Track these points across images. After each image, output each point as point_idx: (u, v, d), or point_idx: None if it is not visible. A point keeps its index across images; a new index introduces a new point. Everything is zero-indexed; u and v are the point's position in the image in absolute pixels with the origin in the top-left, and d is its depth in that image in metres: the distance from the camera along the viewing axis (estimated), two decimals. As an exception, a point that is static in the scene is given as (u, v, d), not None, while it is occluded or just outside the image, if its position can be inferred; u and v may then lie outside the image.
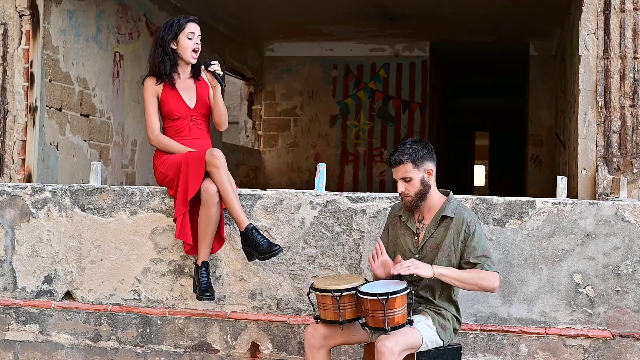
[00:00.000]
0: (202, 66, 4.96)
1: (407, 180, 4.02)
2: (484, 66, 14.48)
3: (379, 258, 4.00)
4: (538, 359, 4.64)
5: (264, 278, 4.94)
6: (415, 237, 4.10)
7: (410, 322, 3.86)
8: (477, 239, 3.99)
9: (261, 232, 4.70)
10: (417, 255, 4.06)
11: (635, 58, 5.39)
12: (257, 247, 4.61)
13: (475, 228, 4.01)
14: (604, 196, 5.35)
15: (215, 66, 4.89)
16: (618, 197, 5.23)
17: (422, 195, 4.04)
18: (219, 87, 4.94)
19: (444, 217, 4.05)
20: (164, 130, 5.02)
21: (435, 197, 4.11)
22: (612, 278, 4.62)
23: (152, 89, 4.96)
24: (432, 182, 4.08)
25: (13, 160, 6.24)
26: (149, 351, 5.04)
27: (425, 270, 3.89)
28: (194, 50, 4.93)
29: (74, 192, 5.18)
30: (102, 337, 5.09)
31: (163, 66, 4.92)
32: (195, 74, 5.02)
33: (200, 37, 4.96)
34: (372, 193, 4.89)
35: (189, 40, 4.91)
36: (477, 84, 16.88)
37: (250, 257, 4.75)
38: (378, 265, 4.01)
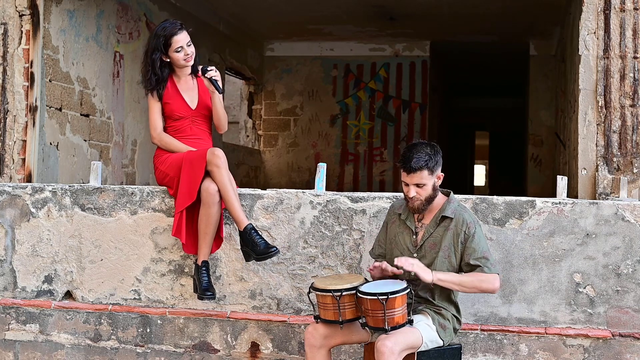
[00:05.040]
0: (200, 72, 4.94)
1: (420, 186, 3.96)
2: (484, 66, 14.48)
3: (377, 268, 4.05)
4: (538, 358, 4.64)
5: (264, 278, 4.94)
6: (414, 236, 4.10)
7: (410, 322, 3.86)
8: (477, 240, 3.99)
9: (260, 233, 4.70)
10: (415, 255, 4.06)
11: (635, 58, 5.39)
12: (254, 247, 4.61)
13: (475, 229, 4.00)
14: (604, 196, 5.34)
15: (212, 72, 4.87)
16: (618, 197, 5.23)
17: (431, 199, 4.02)
18: (217, 93, 4.93)
19: (443, 218, 4.05)
20: (165, 130, 5.03)
21: (437, 197, 4.10)
22: (612, 278, 4.62)
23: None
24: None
25: (13, 160, 6.24)
26: (149, 351, 5.04)
27: (425, 274, 3.90)
28: (185, 60, 4.94)
29: (74, 191, 5.18)
30: (102, 337, 5.09)
31: (154, 82, 4.94)
32: (194, 72, 5.02)
33: (189, 43, 4.92)
34: (372, 193, 4.89)
35: (178, 53, 4.91)
36: (477, 84, 16.88)
37: (247, 258, 4.75)
38: (377, 273, 4.06)
